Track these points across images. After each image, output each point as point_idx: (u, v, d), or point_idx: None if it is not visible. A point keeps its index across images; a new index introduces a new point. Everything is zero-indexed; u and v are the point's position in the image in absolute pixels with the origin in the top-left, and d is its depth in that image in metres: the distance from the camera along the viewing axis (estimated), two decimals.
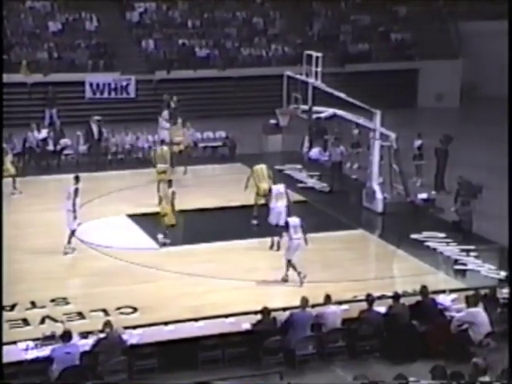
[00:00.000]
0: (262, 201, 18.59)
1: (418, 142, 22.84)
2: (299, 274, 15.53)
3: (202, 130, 26.24)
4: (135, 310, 14.27)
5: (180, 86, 30.94)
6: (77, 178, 17.43)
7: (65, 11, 32.39)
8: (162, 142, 22.97)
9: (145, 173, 22.80)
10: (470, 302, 13.34)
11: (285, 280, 15.61)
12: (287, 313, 13.39)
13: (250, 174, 19.29)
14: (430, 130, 24.67)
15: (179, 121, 24.36)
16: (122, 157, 24.81)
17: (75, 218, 16.96)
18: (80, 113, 27.78)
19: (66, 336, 12.12)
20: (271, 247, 17.24)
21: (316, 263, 16.69)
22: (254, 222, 18.81)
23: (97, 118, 24.71)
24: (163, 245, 17.51)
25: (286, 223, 16.09)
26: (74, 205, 16.92)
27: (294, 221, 16.00)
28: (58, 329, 12.73)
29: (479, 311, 13.21)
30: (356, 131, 24.17)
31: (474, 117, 32.61)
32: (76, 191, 17.06)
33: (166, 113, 25.86)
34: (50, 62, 30.37)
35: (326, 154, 24.54)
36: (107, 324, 12.49)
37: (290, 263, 15.67)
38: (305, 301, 13.32)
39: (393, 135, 20.35)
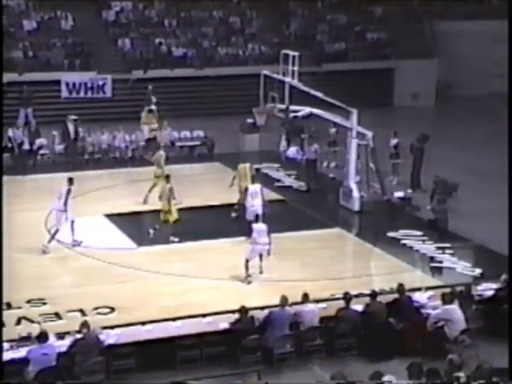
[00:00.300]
0: None
1: (394, 141, 22.97)
2: (248, 275, 15.71)
3: (179, 129, 26.19)
4: (113, 310, 14.22)
5: (157, 86, 30.81)
6: (70, 180, 17.56)
7: (40, 10, 32.16)
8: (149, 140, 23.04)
9: (122, 172, 22.75)
10: (446, 299, 13.46)
11: (248, 282, 15.70)
12: (266, 311, 13.42)
13: (235, 173, 19.41)
14: (405, 128, 24.81)
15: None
16: (98, 156, 24.71)
17: (66, 218, 17.09)
18: (56, 112, 27.61)
19: (43, 337, 12.06)
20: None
21: (293, 262, 16.75)
22: (233, 214, 18.81)
23: (73, 117, 24.58)
24: (172, 242, 17.58)
25: (250, 228, 16.22)
26: (65, 205, 17.05)
27: (260, 226, 16.08)
28: (35, 330, 12.66)
29: (455, 308, 13.33)
30: (333, 130, 24.26)
31: (449, 116, 32.86)
32: (68, 192, 17.17)
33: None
34: (25, 60, 30.15)
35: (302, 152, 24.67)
36: (84, 324, 12.44)
37: (247, 263, 15.79)
38: (284, 299, 13.35)
39: (369, 134, 20.46)
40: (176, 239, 17.67)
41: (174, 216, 17.69)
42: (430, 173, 21.00)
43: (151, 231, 17.84)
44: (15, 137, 23.97)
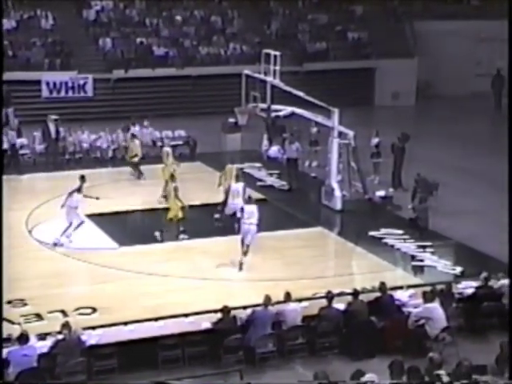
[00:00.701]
0: None
1: (375, 140, 23.05)
2: (241, 261, 16.18)
3: (161, 128, 26.14)
4: (94, 310, 14.17)
5: (138, 85, 30.81)
6: (82, 178, 18.09)
7: (19, 8, 31.93)
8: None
9: (103, 172, 22.65)
10: (427, 297, 13.54)
11: (240, 264, 16.20)
12: (248, 311, 13.42)
13: (221, 173, 19.47)
14: (386, 128, 24.92)
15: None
16: (80, 156, 24.60)
17: (78, 216, 17.60)
18: (36, 112, 27.45)
19: (23, 338, 11.98)
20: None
21: (275, 261, 16.77)
22: (216, 215, 18.87)
23: (54, 117, 24.45)
24: (182, 239, 17.71)
25: (242, 208, 16.85)
26: (77, 202, 17.64)
27: (251, 208, 16.55)
28: (15, 331, 12.58)
29: (436, 307, 13.41)
30: (315, 129, 24.31)
31: (429, 115, 33.07)
32: (80, 189, 17.75)
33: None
34: (4, 60, 29.92)
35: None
36: (65, 325, 12.38)
37: (243, 245, 16.30)
38: (267, 299, 13.35)
39: (351, 133, 20.53)
40: (185, 236, 17.68)
41: (180, 214, 17.68)
42: (411, 172, 21.12)
43: (158, 234, 17.75)
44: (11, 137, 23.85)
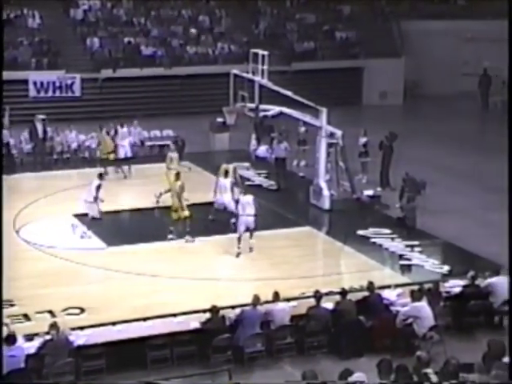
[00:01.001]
0: None
1: (363, 140, 23.09)
2: (239, 248, 16.85)
3: (149, 128, 26.12)
4: (82, 310, 14.15)
5: (126, 85, 30.77)
6: (100, 175, 19.04)
7: (6, 7, 31.78)
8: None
9: (92, 172, 22.51)
10: (415, 296, 13.59)
11: (237, 254, 16.86)
12: (237, 310, 13.43)
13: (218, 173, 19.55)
14: (374, 127, 25.00)
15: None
16: (67, 156, 24.54)
17: (99, 208, 18.52)
18: (24, 112, 27.36)
19: (11, 339, 11.92)
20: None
21: (264, 261, 16.80)
22: (211, 217, 18.87)
23: (41, 116, 24.38)
24: (170, 239, 17.72)
25: (237, 200, 17.36)
26: (96, 199, 18.54)
27: (247, 199, 17.02)
28: (3, 332, 12.52)
29: (423, 305, 13.47)
30: (303, 129, 24.34)
31: (416, 114, 33.22)
32: (98, 188, 18.57)
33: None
34: None
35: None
36: (53, 325, 12.34)
37: (239, 239, 16.94)
38: (256, 299, 13.36)
39: (339, 133, 20.57)
40: (192, 239, 17.63)
41: (185, 213, 17.65)
42: (399, 171, 21.19)
43: (170, 235, 17.72)
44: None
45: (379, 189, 21.52)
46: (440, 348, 12.65)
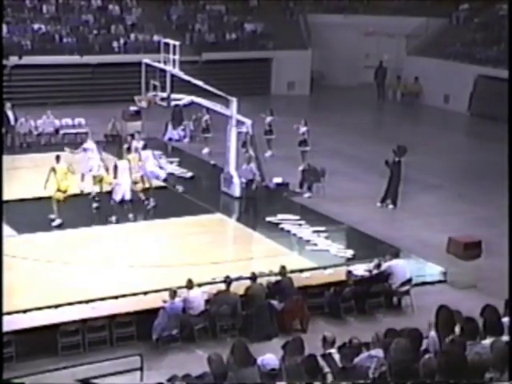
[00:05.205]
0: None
1: (303, 129, 23.40)
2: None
3: (60, 117, 25.94)
4: None
5: (36, 72, 30.30)
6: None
7: None
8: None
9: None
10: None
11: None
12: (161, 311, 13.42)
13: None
14: (283, 116, 25.76)
15: None
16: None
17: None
18: None
19: None
20: None
21: (174, 247, 17.06)
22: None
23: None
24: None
25: (115, 166, 18.17)
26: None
27: (122, 163, 18.03)
28: None
29: (396, 263, 15.07)
30: (206, 117, 24.83)
31: (322, 104, 34.11)
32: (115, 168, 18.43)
33: None
34: None
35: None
36: None
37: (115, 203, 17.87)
38: (173, 292, 13.48)
39: (248, 122, 21.01)
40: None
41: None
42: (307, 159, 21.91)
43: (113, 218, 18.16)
44: None
45: (379, 204, 20.08)
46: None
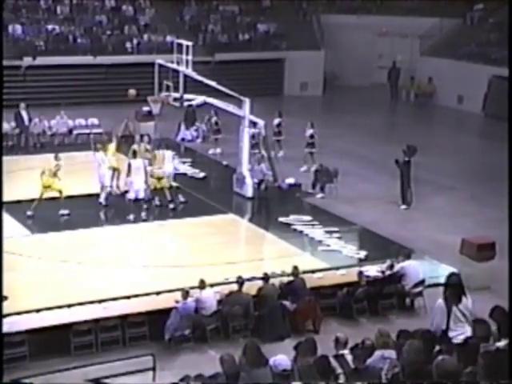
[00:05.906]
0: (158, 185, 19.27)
1: (310, 131, 23.47)
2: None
3: (74, 117, 26.06)
4: (5, 298, 14.10)
5: (50, 73, 30.44)
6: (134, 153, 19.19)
7: None
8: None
9: (13, 160, 22.38)
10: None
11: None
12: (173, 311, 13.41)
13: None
14: (295, 117, 25.78)
15: None
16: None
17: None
18: None
19: None
20: None
21: (187, 247, 17.08)
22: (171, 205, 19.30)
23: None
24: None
25: (129, 164, 18.63)
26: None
27: (136, 162, 18.44)
28: None
29: (409, 264, 15.03)
30: (214, 118, 24.86)
31: (335, 105, 34.07)
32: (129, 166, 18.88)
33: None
34: None
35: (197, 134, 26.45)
36: None
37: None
38: (185, 292, 13.50)
39: (261, 122, 21.01)
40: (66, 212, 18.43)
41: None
42: (319, 160, 21.86)
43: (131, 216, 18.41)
44: None
45: (404, 206, 20.18)
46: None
